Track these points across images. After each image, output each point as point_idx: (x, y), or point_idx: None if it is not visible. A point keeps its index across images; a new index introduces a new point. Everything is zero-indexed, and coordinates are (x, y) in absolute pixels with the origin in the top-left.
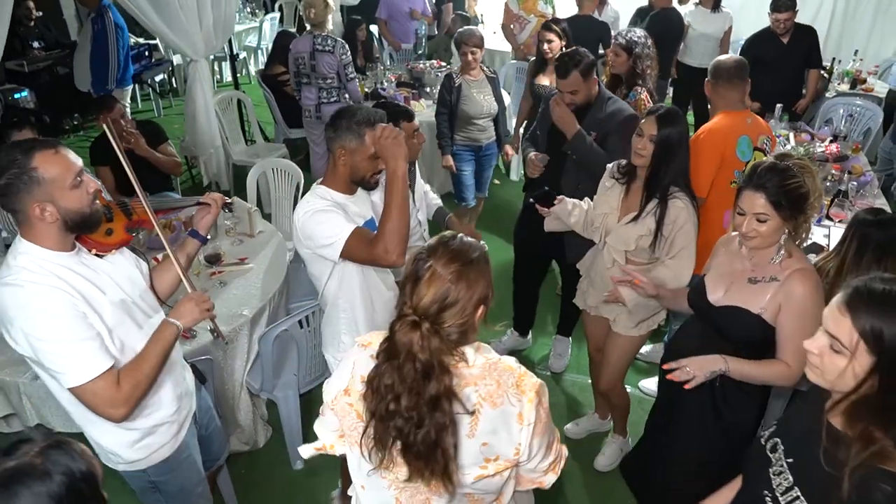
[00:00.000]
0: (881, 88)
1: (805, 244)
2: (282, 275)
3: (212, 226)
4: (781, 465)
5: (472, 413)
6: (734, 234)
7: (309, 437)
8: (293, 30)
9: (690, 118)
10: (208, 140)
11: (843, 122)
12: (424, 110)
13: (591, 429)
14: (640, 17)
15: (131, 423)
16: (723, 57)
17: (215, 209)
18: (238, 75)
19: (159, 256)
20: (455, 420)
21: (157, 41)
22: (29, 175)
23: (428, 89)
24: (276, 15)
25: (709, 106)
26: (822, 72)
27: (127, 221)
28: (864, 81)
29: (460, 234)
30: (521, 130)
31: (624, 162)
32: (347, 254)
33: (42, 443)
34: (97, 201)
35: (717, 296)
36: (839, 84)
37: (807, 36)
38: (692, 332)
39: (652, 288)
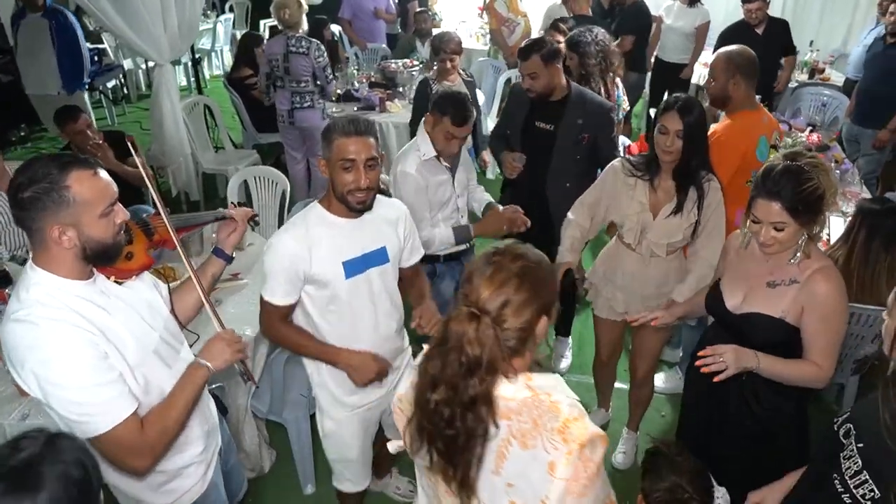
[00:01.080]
0: (837, 77)
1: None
2: None
3: (238, 243)
4: (852, 450)
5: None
6: (736, 233)
7: (320, 458)
8: (245, 31)
9: None
10: (177, 148)
11: (811, 110)
12: (400, 111)
13: (599, 424)
14: (611, 12)
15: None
16: (735, 48)
17: (242, 225)
18: (191, 79)
19: (171, 265)
20: (488, 431)
21: (106, 45)
22: (59, 193)
23: (401, 89)
24: (230, 16)
25: (705, 104)
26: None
27: (148, 242)
28: (823, 71)
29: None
30: None
31: (632, 158)
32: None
33: (43, 435)
34: (122, 232)
35: (735, 302)
36: (798, 74)
37: (780, 28)
38: (714, 338)
39: (671, 317)
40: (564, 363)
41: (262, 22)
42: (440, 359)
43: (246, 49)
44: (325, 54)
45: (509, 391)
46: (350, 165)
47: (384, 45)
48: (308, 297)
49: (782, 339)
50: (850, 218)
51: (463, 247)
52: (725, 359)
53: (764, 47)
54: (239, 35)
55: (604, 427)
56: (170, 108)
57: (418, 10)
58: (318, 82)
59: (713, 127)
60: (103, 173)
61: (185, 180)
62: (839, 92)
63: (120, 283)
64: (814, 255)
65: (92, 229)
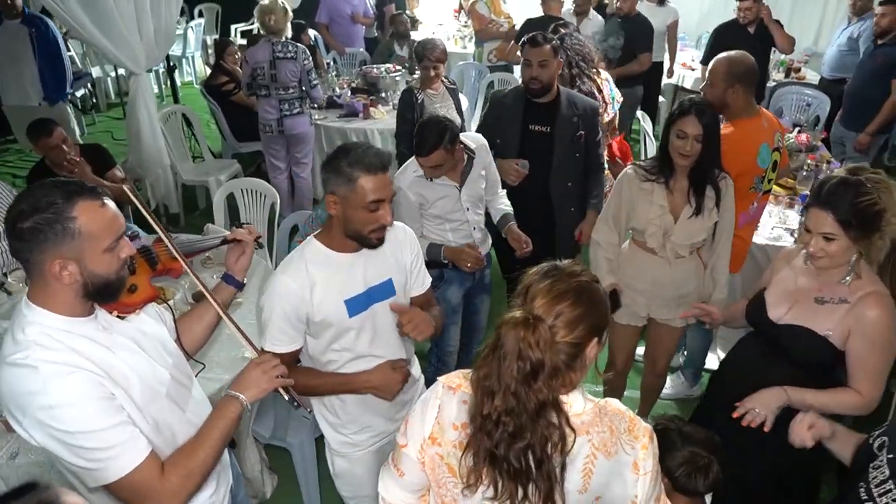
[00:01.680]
0: (812, 76)
1: (795, 235)
2: None
3: (248, 267)
4: (881, 461)
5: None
6: (795, 247)
7: (324, 482)
8: (216, 36)
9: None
10: (155, 160)
11: (793, 110)
12: (385, 117)
13: None
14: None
15: None
16: (736, 55)
17: (250, 247)
18: (162, 87)
19: (159, 284)
20: (566, 437)
21: (73, 52)
22: (64, 224)
23: (384, 94)
24: (201, 21)
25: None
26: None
27: (151, 272)
28: (798, 70)
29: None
30: None
31: (644, 162)
32: None
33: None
34: (126, 267)
35: (779, 313)
36: (775, 73)
37: (774, 21)
38: (751, 347)
39: (721, 317)
40: None
41: (233, 27)
42: (495, 366)
43: (221, 55)
44: (311, 58)
45: (577, 406)
46: (377, 207)
47: (362, 50)
48: (311, 338)
49: (822, 357)
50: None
51: None
52: (760, 410)
53: (755, 46)
54: (210, 41)
55: None
56: (147, 118)
57: (395, 12)
58: (303, 87)
59: None
60: (111, 204)
61: (163, 193)
62: (820, 91)
63: (122, 318)
64: (866, 276)
65: (95, 264)
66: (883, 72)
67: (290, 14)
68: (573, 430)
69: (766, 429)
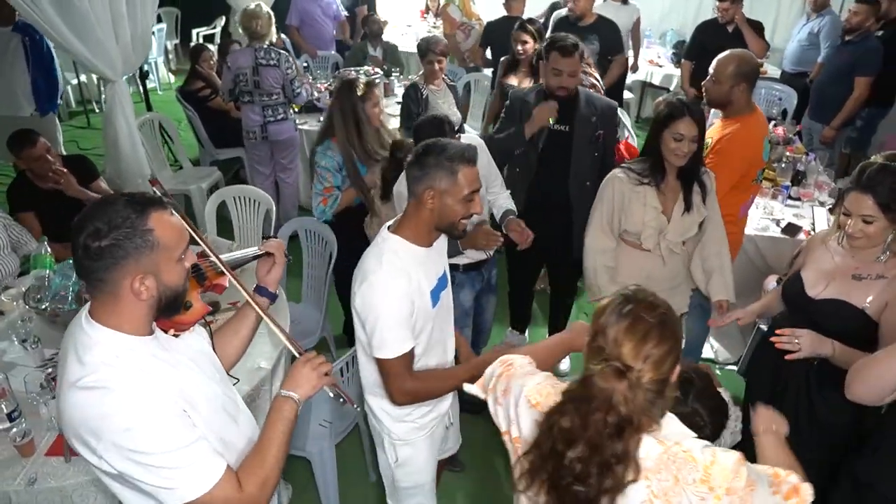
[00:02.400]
0: (773, 71)
1: (781, 225)
2: (285, 312)
3: (280, 279)
4: None
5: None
6: (827, 229)
7: (343, 490)
8: (176, 42)
9: None
10: (135, 169)
11: (762, 104)
12: None
13: None
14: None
15: None
16: (742, 53)
17: (280, 259)
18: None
19: None
20: (625, 489)
21: None
22: (143, 238)
23: None
24: (163, 26)
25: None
26: None
27: (200, 288)
28: (761, 65)
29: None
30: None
31: (632, 165)
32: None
33: None
34: (188, 277)
35: (817, 290)
36: None
37: (753, 28)
38: (786, 325)
39: (751, 316)
40: (566, 363)
41: (194, 31)
42: (579, 417)
43: (196, 60)
44: (294, 66)
45: (643, 449)
46: (473, 196)
47: (334, 52)
48: None
49: (860, 330)
50: (829, 208)
51: (482, 256)
52: (801, 341)
53: (734, 45)
54: (171, 46)
55: None
56: (125, 127)
57: (367, 13)
58: (286, 94)
59: (713, 132)
60: (175, 214)
61: None
62: (789, 87)
63: (177, 336)
64: None
65: (170, 276)
66: (848, 68)
67: (274, 19)
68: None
69: (787, 357)
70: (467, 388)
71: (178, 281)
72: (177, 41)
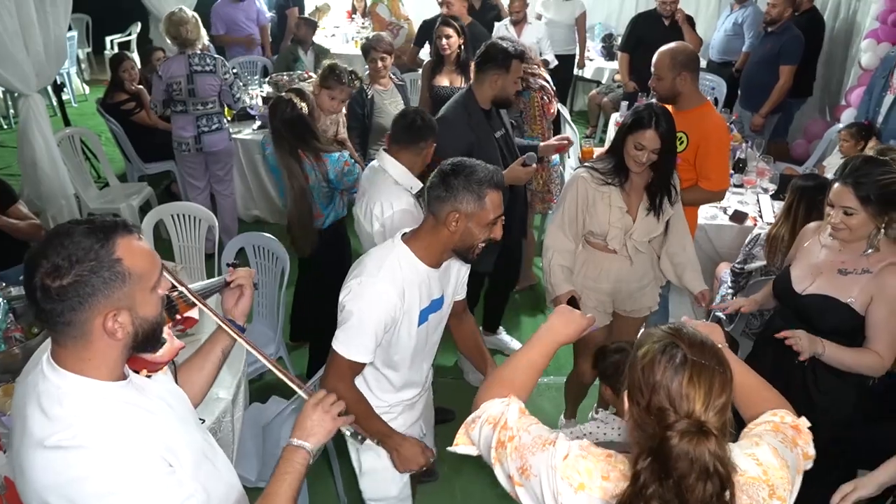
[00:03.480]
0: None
1: (728, 212)
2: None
3: (248, 310)
4: None
5: None
6: (821, 222)
7: None
8: (89, 50)
9: None
10: (57, 190)
11: None
12: None
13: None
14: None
15: None
16: (676, 45)
17: (249, 290)
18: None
19: None
20: None
21: None
22: (111, 270)
23: None
24: (74, 34)
25: (648, 96)
26: None
27: (171, 322)
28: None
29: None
30: None
31: (597, 165)
32: None
33: None
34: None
35: (803, 286)
36: None
37: (686, 22)
38: (779, 321)
39: (755, 305)
40: None
41: (107, 39)
42: (675, 496)
43: (116, 71)
44: (231, 71)
45: None
46: (497, 221)
47: (262, 57)
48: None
49: (847, 324)
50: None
51: None
52: (801, 343)
53: (670, 38)
54: (83, 55)
55: None
56: (42, 144)
57: (297, 16)
58: (226, 101)
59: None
60: (143, 238)
61: None
62: (719, 77)
63: (149, 377)
64: (886, 249)
65: (146, 307)
66: (772, 58)
67: (201, 23)
68: None
69: (801, 358)
70: (456, 450)
71: (155, 312)
72: (89, 49)
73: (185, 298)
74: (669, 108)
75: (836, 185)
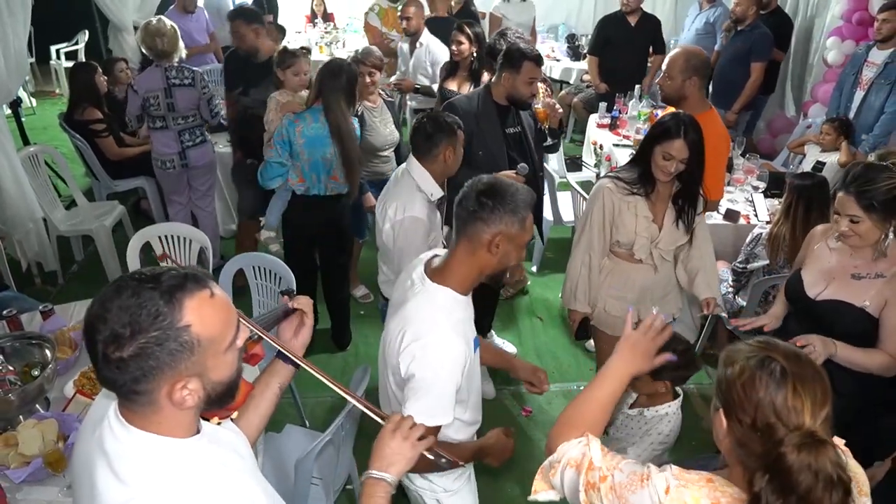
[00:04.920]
0: None
1: (721, 211)
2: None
3: (308, 342)
4: None
5: None
6: (829, 224)
7: None
8: (32, 60)
9: None
10: (24, 213)
11: None
12: None
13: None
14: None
15: None
16: (692, 48)
17: (310, 320)
18: None
19: None
20: None
21: None
22: (179, 339)
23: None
24: None
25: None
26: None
27: None
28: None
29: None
30: None
31: (622, 174)
32: None
33: None
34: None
35: (816, 290)
36: None
37: (652, 24)
38: (793, 325)
39: (777, 321)
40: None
41: (52, 48)
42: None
43: (86, 86)
44: (209, 85)
45: None
46: (525, 244)
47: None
48: None
49: (863, 328)
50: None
51: None
52: (816, 349)
53: (636, 38)
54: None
55: None
56: (7, 165)
57: (270, 21)
58: (204, 116)
59: None
60: (217, 287)
61: (37, 250)
62: None
63: (219, 423)
64: (892, 254)
65: (220, 370)
66: (742, 55)
67: (179, 34)
68: None
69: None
70: (536, 498)
71: (230, 372)
72: (32, 59)
73: (250, 334)
74: (672, 111)
75: (840, 194)
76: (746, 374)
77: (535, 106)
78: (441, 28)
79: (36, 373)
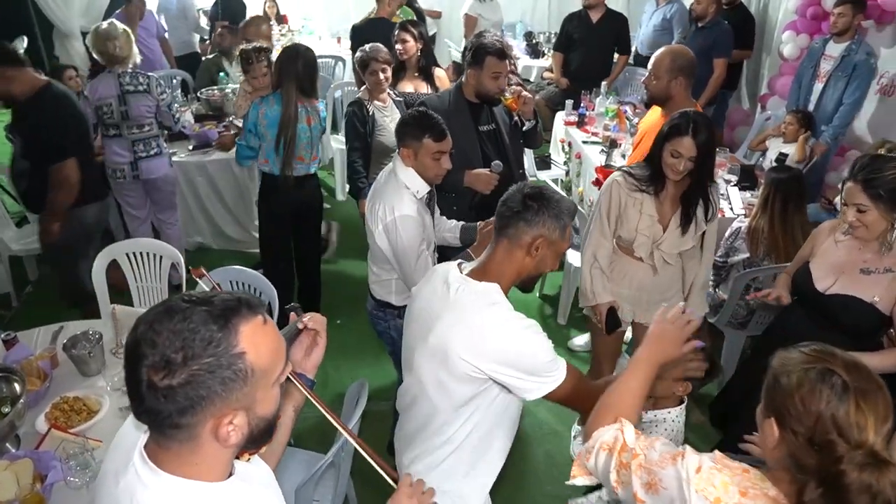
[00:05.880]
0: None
1: None
2: None
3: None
4: None
5: None
6: (835, 220)
7: None
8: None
9: None
10: None
11: (629, 89)
12: None
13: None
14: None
15: None
16: (677, 48)
17: (323, 339)
18: None
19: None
20: None
21: None
22: (233, 367)
23: (231, 118)
24: None
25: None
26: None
27: None
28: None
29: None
30: None
31: (633, 170)
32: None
33: None
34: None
35: (825, 284)
36: None
37: (617, 21)
38: (796, 317)
39: (787, 297)
40: (581, 340)
41: None
42: None
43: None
44: (167, 90)
45: None
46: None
47: (178, 70)
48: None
49: (870, 323)
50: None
51: None
52: None
53: (599, 36)
54: None
55: None
56: None
57: (222, 26)
58: (165, 124)
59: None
60: (267, 315)
61: None
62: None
63: (248, 460)
64: None
65: (265, 405)
66: (704, 52)
67: (133, 39)
68: None
69: None
70: (574, 482)
71: (274, 407)
72: None
73: None
74: (659, 110)
75: (848, 183)
76: (806, 386)
77: (505, 97)
78: (381, 30)
79: (6, 409)
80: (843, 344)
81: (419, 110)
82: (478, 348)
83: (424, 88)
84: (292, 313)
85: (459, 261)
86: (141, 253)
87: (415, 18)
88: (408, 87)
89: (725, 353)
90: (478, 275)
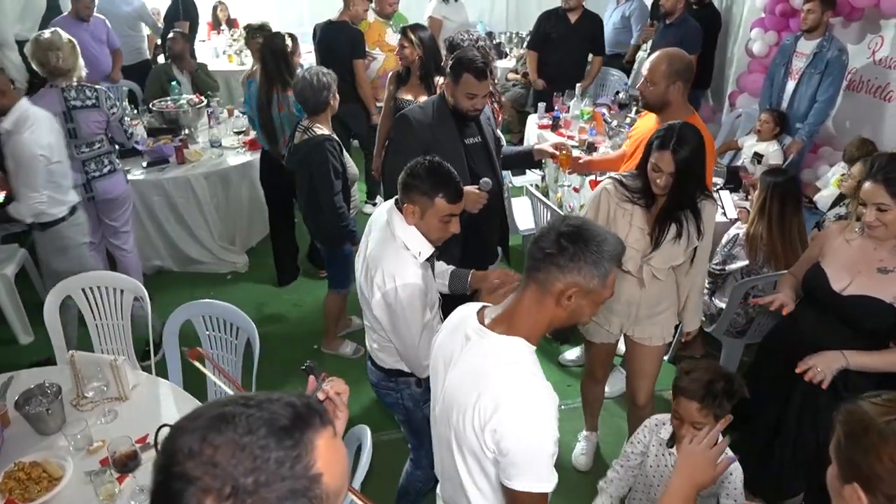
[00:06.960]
0: None
1: None
2: None
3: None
4: None
5: None
6: (843, 221)
7: None
8: None
9: None
10: None
11: (603, 89)
12: (202, 157)
13: (591, 450)
14: None
15: None
16: (673, 52)
17: (344, 408)
18: None
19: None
20: None
21: None
22: (309, 494)
23: (187, 131)
24: None
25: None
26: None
27: None
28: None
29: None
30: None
31: (625, 180)
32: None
33: None
34: None
35: (842, 285)
36: None
37: (593, 22)
38: (807, 316)
39: (792, 304)
40: (573, 355)
41: None
42: None
43: None
44: (118, 103)
45: None
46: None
47: (126, 81)
48: None
49: (887, 323)
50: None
51: None
52: (818, 373)
53: (573, 36)
54: None
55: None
56: None
57: (175, 30)
58: (117, 139)
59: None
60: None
61: None
62: (619, 71)
63: None
64: None
65: None
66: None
67: (79, 49)
68: None
69: (824, 386)
70: None
71: None
72: None
73: None
74: (654, 116)
75: (868, 183)
76: (892, 442)
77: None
78: (340, 34)
79: None
80: (854, 342)
81: (432, 161)
82: (481, 427)
83: (424, 98)
84: (311, 376)
85: (482, 305)
86: (99, 287)
87: (409, 23)
88: (407, 95)
89: (723, 362)
90: (500, 324)
